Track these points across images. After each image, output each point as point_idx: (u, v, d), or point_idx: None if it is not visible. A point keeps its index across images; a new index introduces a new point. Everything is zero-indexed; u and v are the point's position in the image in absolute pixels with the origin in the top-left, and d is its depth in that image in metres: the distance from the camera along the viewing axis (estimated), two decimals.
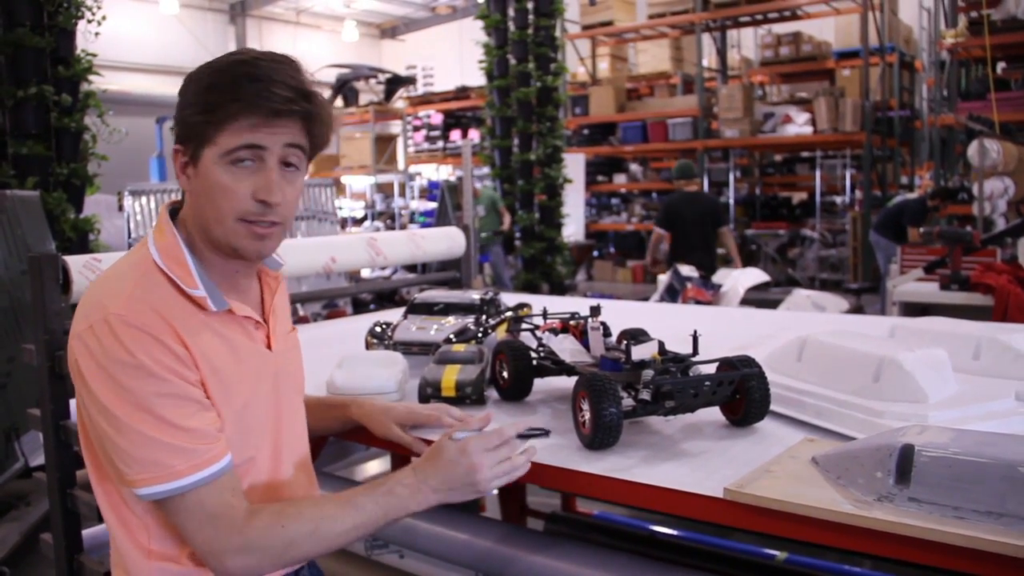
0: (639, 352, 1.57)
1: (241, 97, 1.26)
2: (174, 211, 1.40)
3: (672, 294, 5.66)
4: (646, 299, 6.08)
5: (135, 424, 1.21)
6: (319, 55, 20.21)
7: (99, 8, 5.97)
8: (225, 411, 1.33)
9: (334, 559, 2.40)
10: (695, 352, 1.59)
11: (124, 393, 1.21)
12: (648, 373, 1.52)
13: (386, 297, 9.63)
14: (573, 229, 12.34)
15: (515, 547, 1.99)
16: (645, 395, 1.51)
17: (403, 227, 13.87)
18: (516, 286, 10.42)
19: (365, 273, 9.97)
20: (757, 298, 6.30)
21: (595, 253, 13.79)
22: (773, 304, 6.06)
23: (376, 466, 3.53)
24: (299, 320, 5.03)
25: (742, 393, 1.56)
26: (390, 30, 24.74)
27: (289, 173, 1.34)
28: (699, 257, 6.85)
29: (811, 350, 1.76)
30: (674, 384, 1.49)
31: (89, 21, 5.94)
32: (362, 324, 2.50)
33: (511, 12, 10.63)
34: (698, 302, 5.37)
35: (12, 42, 5.45)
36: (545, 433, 1.60)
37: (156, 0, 18.33)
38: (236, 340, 1.36)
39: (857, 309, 7.70)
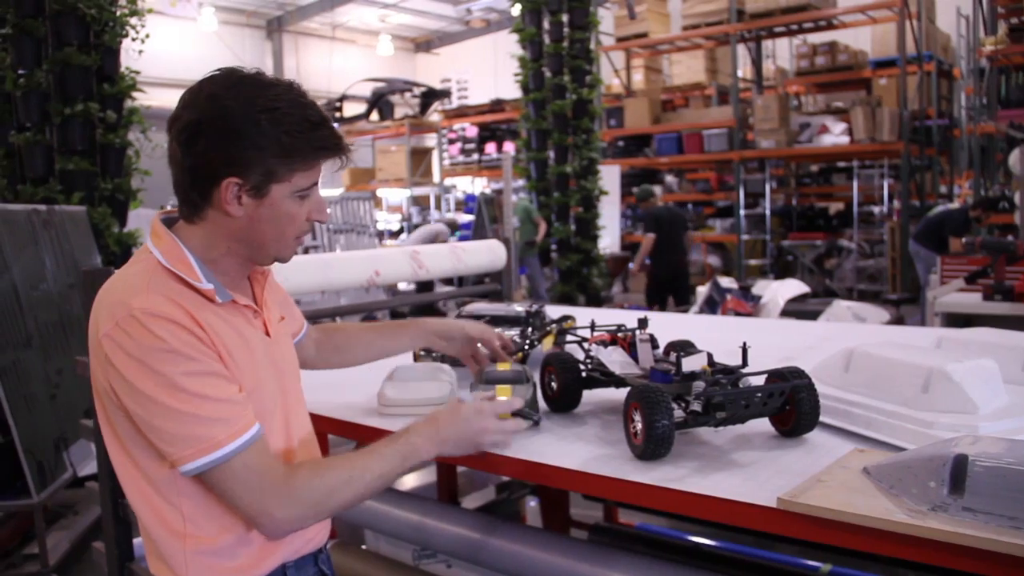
0: (689, 364, 1.58)
1: (323, 145, 1.40)
2: (167, 221, 1.48)
3: (712, 306, 5.66)
4: (684, 311, 6.07)
5: (173, 404, 1.29)
6: (355, 69, 20.41)
7: (143, 27, 6.09)
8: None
9: (383, 570, 2.43)
10: (744, 363, 1.61)
11: (158, 377, 1.29)
12: (699, 385, 1.53)
13: (424, 310, 9.64)
14: (609, 241, 12.34)
15: (561, 556, 2.00)
16: (696, 406, 1.52)
17: None
18: (552, 298, 10.42)
19: (401, 286, 10.04)
20: (796, 309, 6.26)
21: (630, 265, 13.75)
22: (812, 315, 6.03)
23: (410, 479, 3.56)
24: None
25: (792, 404, 1.57)
26: (425, 44, 24.92)
27: None
28: (676, 256, 9.12)
29: (858, 361, 1.76)
30: (726, 396, 1.50)
31: (133, 39, 6.06)
32: None
33: (546, 25, 10.66)
34: (738, 314, 5.36)
35: (60, 61, 5.58)
36: (535, 421, 1.72)
37: (195, 17, 18.63)
38: (242, 327, 1.45)
39: (897, 320, 7.63)
